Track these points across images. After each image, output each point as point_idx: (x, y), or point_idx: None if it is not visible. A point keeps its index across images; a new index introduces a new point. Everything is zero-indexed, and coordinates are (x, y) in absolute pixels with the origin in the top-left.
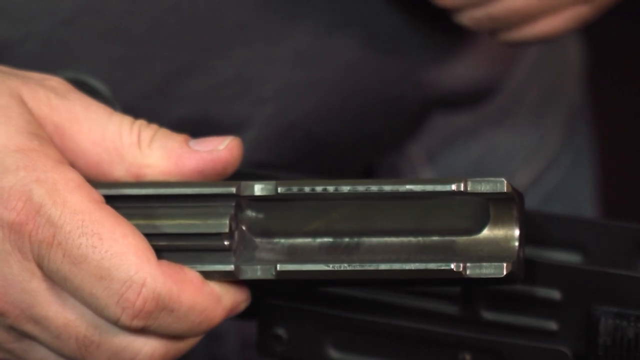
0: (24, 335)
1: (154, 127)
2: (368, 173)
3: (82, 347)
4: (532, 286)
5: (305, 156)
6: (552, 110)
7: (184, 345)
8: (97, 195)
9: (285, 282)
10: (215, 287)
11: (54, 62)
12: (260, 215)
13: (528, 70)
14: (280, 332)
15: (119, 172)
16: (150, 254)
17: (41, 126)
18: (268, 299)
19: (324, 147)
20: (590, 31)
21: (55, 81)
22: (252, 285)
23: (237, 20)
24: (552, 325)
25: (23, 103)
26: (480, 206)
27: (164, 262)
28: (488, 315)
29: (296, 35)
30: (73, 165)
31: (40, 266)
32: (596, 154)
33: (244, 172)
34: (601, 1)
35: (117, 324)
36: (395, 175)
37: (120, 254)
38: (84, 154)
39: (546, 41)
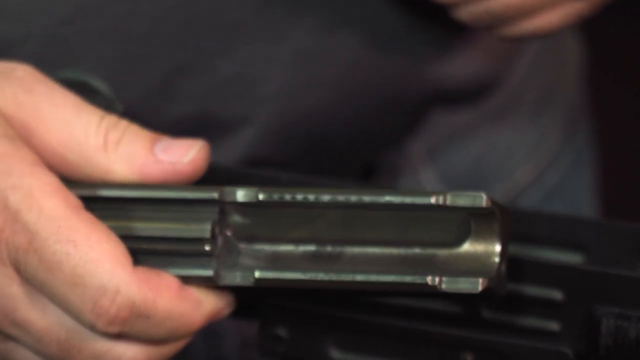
0: (7, 337)
1: (122, 126)
2: (368, 171)
3: (63, 351)
4: (533, 286)
5: (306, 154)
6: (552, 108)
7: (167, 350)
8: (73, 199)
9: (265, 289)
10: (194, 293)
11: (54, 61)
12: (247, 221)
13: (528, 68)
14: (282, 332)
15: (82, 174)
16: (126, 260)
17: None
18: (269, 299)
19: (324, 146)
20: (590, 29)
21: (21, 71)
22: (239, 290)
23: (237, 20)
24: (554, 326)
25: None
26: (463, 219)
27: (140, 269)
28: (489, 315)
29: (296, 35)
30: None
31: (18, 271)
32: (596, 152)
33: (245, 172)
34: None
35: (93, 330)
36: (395, 173)
37: (94, 261)
38: (51, 153)
39: (543, 36)
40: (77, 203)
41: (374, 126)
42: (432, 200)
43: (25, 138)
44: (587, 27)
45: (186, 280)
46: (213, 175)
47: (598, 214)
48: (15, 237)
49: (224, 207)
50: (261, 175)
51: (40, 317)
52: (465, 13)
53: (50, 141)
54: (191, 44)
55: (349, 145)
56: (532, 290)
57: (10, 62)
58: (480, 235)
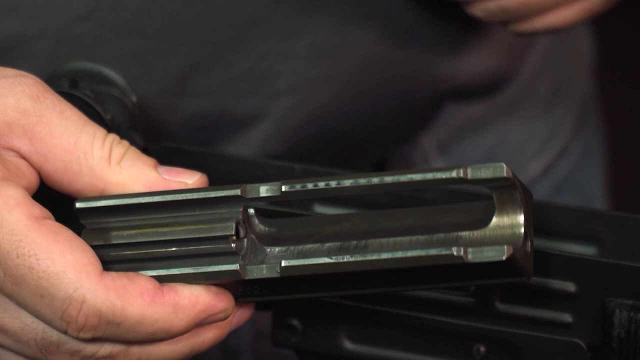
0: None
1: (125, 144)
2: (381, 164)
3: (42, 349)
4: (546, 278)
5: (320, 149)
6: (563, 100)
7: (151, 350)
8: (38, 211)
9: (293, 286)
10: (173, 297)
11: (69, 57)
12: (273, 229)
13: (540, 61)
14: (295, 322)
15: (83, 184)
16: (92, 269)
17: (2, 133)
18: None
19: (338, 140)
20: (599, 21)
21: (31, 79)
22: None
23: (251, 16)
24: (567, 318)
25: None
26: (487, 205)
27: (109, 276)
28: (503, 307)
29: (311, 30)
30: (41, 169)
31: None
32: (606, 143)
33: (263, 162)
34: None
35: (66, 334)
36: (408, 166)
37: (57, 274)
38: (54, 159)
39: (557, 32)
40: (42, 214)
41: (387, 121)
42: (454, 174)
43: (28, 142)
44: (596, 18)
45: (212, 276)
46: (228, 166)
47: (608, 205)
48: None
49: (250, 210)
50: (276, 165)
51: (15, 317)
52: (479, 9)
53: (55, 146)
54: (206, 39)
55: (363, 140)
56: (545, 282)
57: (21, 71)
58: (504, 209)
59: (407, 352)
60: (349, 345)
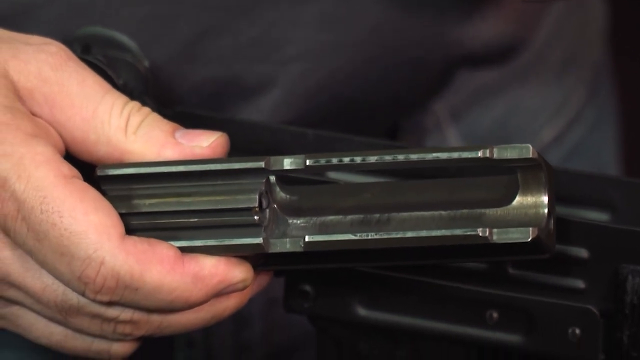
0: (10, 300)
1: (144, 112)
2: (393, 132)
3: (62, 311)
4: (559, 244)
5: (330, 116)
6: (576, 67)
7: (172, 319)
8: (66, 169)
9: (314, 257)
10: (193, 267)
11: (79, 24)
12: (294, 197)
13: (552, 27)
14: (307, 288)
15: (101, 153)
16: (114, 232)
17: (24, 98)
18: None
19: (349, 107)
20: None
21: (55, 47)
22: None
23: None
24: (580, 284)
25: (5, 76)
26: (510, 180)
27: (130, 240)
28: (515, 273)
29: None
30: (59, 137)
31: (8, 237)
32: (619, 110)
33: (275, 127)
34: None
35: (84, 296)
36: (420, 133)
37: (78, 233)
38: (73, 128)
39: None
40: (70, 173)
41: (398, 88)
42: (480, 154)
43: (48, 110)
44: None
45: (235, 249)
46: (240, 131)
47: (620, 172)
48: (4, 205)
49: (271, 177)
50: (288, 130)
51: (37, 277)
52: None
53: (74, 115)
54: (215, 6)
55: (374, 108)
56: (558, 248)
57: (46, 38)
58: (528, 188)
59: (420, 318)
60: (361, 310)
